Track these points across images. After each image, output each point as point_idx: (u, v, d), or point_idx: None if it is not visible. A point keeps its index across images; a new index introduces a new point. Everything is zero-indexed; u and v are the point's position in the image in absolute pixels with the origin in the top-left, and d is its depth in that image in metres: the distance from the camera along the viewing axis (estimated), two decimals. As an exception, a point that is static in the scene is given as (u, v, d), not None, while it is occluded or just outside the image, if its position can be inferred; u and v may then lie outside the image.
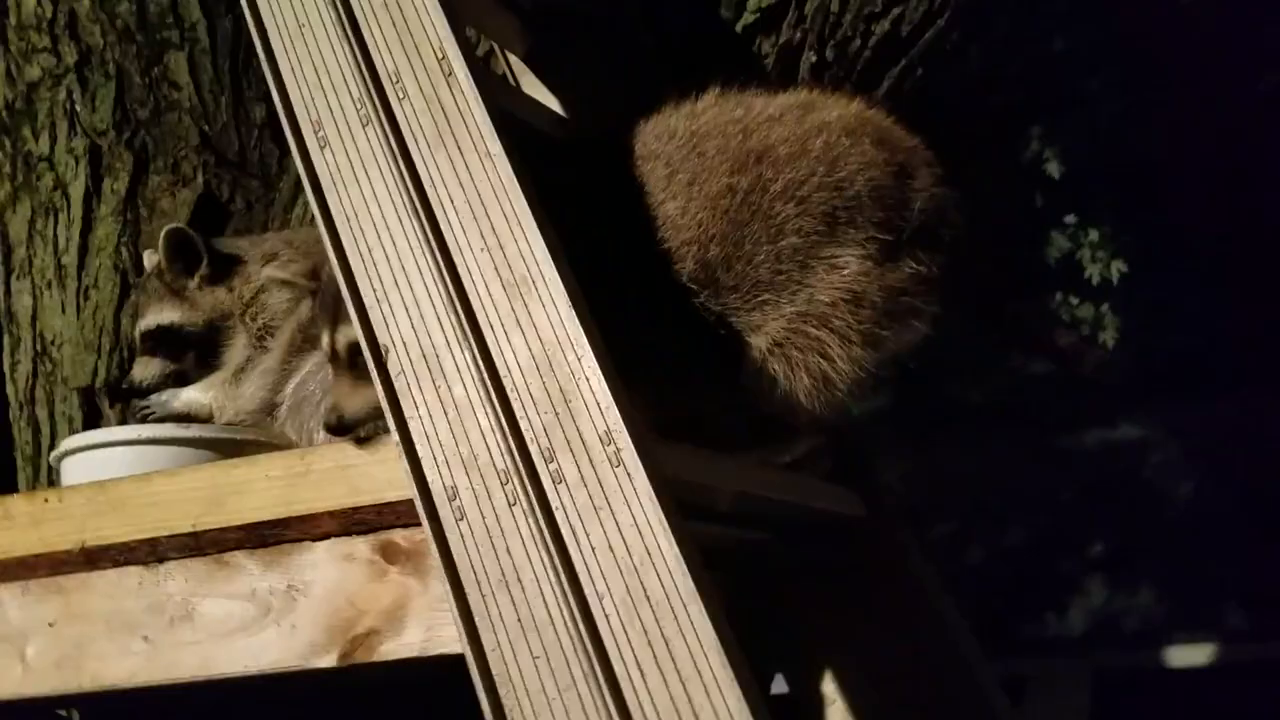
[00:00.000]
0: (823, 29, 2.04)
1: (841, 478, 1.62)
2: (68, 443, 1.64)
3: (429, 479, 1.16)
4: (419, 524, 1.30)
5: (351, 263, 1.28)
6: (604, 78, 1.81)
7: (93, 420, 2.41)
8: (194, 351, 1.92)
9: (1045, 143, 6.26)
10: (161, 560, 1.41)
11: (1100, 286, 6.46)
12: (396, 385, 1.21)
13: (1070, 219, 6.52)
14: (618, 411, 1.06)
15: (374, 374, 1.22)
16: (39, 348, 2.52)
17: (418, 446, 1.18)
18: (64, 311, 2.49)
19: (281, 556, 1.36)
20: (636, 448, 1.04)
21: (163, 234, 2.00)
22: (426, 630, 1.27)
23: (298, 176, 2.32)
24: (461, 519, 1.13)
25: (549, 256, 1.14)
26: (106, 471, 1.55)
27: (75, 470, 1.61)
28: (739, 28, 2.01)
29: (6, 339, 2.62)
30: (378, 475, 1.32)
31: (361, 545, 1.33)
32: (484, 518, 1.11)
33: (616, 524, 1.04)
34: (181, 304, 1.92)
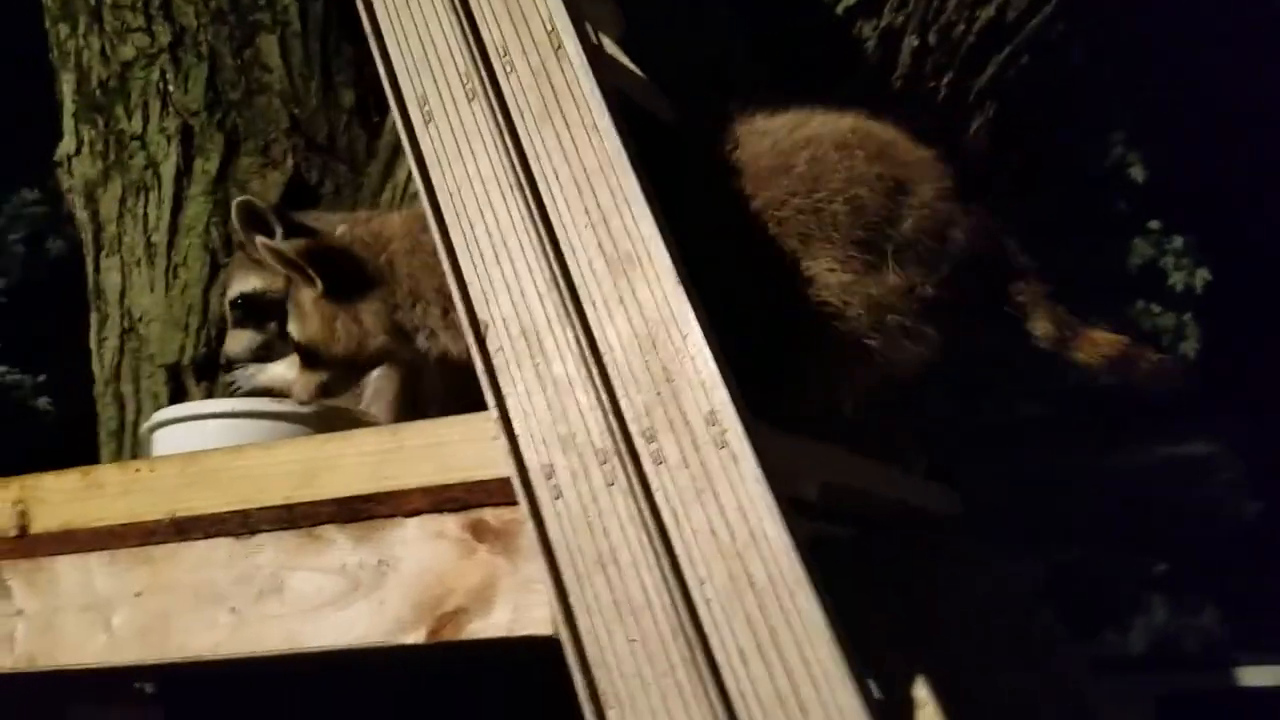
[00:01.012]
0: (925, 13, 1.99)
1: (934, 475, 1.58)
2: (160, 415, 1.65)
3: (526, 457, 1.14)
4: (509, 503, 1.28)
5: (453, 238, 1.26)
6: (699, 63, 1.77)
7: (178, 397, 2.43)
8: (278, 320, 1.91)
9: (1129, 146, 6.12)
10: (253, 532, 1.40)
11: (1183, 295, 6.30)
12: (495, 362, 1.19)
13: (1154, 225, 6.37)
14: (724, 392, 1.03)
15: (473, 350, 1.20)
16: (126, 324, 2.54)
17: (515, 424, 1.16)
18: (152, 289, 2.51)
19: (372, 532, 1.35)
20: (743, 430, 1.01)
21: (234, 205, 1.99)
22: (515, 610, 1.25)
23: (385, 162, 2.34)
24: (558, 498, 1.11)
25: (656, 233, 1.11)
26: (198, 444, 1.56)
27: (167, 443, 1.62)
28: (839, 10, 1.97)
29: (94, 315, 2.65)
30: (469, 453, 1.30)
31: (451, 523, 1.31)
32: (580, 497, 1.09)
33: (720, 507, 1.01)
34: (262, 271, 1.92)
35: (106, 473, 1.50)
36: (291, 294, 1.64)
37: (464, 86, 1.30)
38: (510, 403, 1.17)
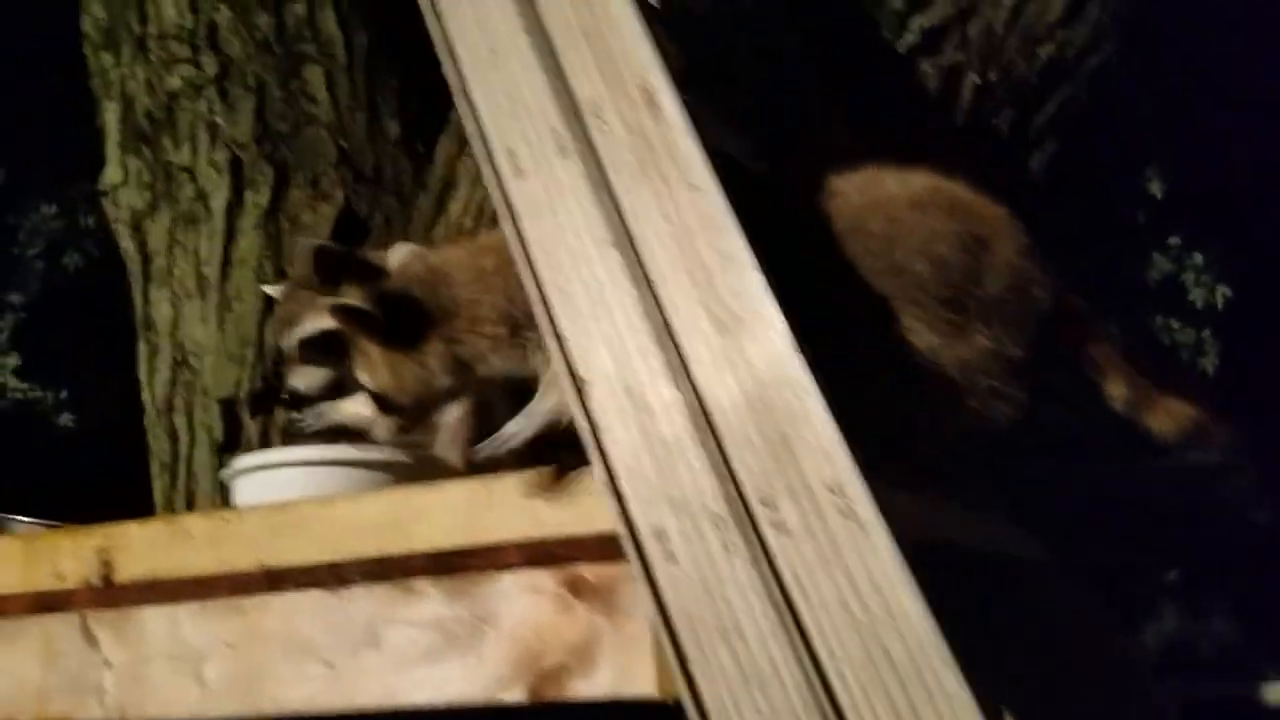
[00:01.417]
0: (986, 51, 2.00)
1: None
2: (243, 461, 1.65)
3: (634, 517, 1.14)
4: (608, 560, 1.29)
5: (548, 292, 1.27)
6: (766, 107, 1.78)
7: (233, 431, 2.44)
8: (348, 356, 1.89)
9: (1147, 160, 6.12)
10: (345, 584, 1.41)
11: (1203, 311, 6.30)
12: (596, 419, 1.20)
13: (1174, 240, 6.36)
14: (846, 459, 1.03)
15: (573, 406, 1.20)
16: (178, 357, 2.55)
17: (622, 484, 1.16)
18: (205, 322, 2.52)
19: (467, 585, 1.35)
20: (869, 499, 1.01)
21: (305, 250, 1.98)
22: (619, 670, 1.25)
23: (437, 195, 2.35)
24: (672, 561, 1.11)
25: (764, 293, 1.12)
26: (281, 490, 1.56)
27: (249, 488, 1.62)
28: (902, 49, 1.98)
29: (143, 346, 2.66)
30: (564, 508, 1.31)
31: (548, 578, 1.31)
32: (697, 562, 1.09)
33: (850, 580, 1.01)
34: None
35: (193, 521, 1.50)
36: (356, 343, 1.64)
37: (555, 142, 1.31)
38: (615, 461, 1.17)
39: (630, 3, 1.29)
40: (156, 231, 2.64)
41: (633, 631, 1.26)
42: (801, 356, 1.08)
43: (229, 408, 2.45)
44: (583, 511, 1.31)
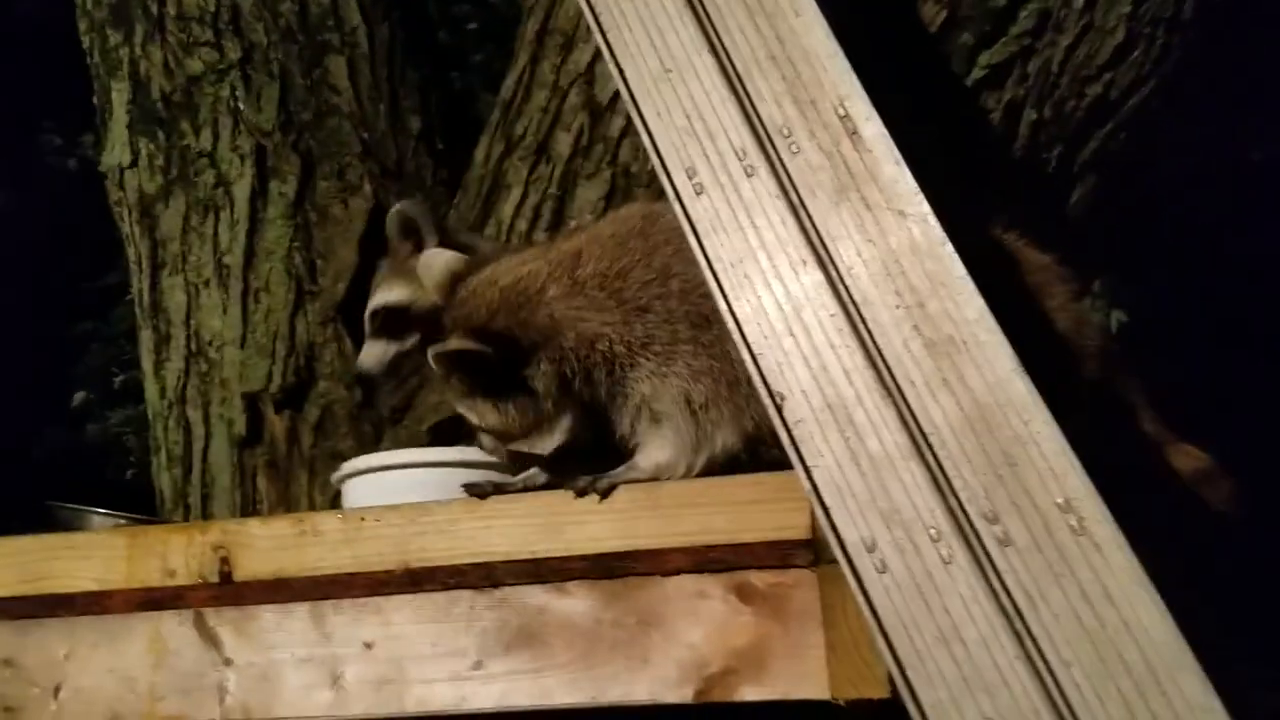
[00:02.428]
0: (1042, 88, 2.11)
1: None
2: (355, 463, 1.64)
3: (841, 529, 1.19)
4: (776, 566, 1.34)
5: (737, 308, 1.30)
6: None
7: (256, 425, 2.39)
8: (419, 333, 1.88)
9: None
10: (496, 585, 1.41)
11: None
12: (795, 432, 1.24)
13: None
14: (1078, 480, 1.10)
15: (774, 419, 1.24)
16: (193, 347, 2.49)
17: (825, 496, 1.20)
18: (225, 312, 2.46)
19: (627, 589, 1.38)
20: (1106, 518, 1.08)
21: (390, 213, 1.97)
22: (790, 674, 1.30)
23: (482, 196, 2.34)
24: (884, 571, 1.16)
25: (983, 316, 1.17)
26: (397, 493, 1.56)
27: (364, 490, 1.61)
28: (968, 82, 2.07)
29: (149, 335, 2.58)
30: (730, 515, 1.35)
31: (714, 584, 1.35)
32: (912, 573, 1.14)
33: (1082, 592, 1.07)
34: (408, 282, 1.90)
35: (324, 520, 1.49)
36: (455, 385, 1.54)
37: (740, 162, 1.34)
38: (818, 475, 1.21)
39: (825, 30, 1.33)
40: (170, 217, 2.57)
41: (802, 637, 1.31)
42: (1026, 379, 1.14)
43: (252, 402, 2.40)
44: (751, 519, 1.35)
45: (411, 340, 1.93)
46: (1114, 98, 2.16)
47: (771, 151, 1.33)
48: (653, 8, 1.44)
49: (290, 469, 2.34)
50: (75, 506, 1.73)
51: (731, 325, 1.29)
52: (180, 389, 2.49)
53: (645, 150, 1.40)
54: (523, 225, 2.28)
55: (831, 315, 1.25)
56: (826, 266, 1.27)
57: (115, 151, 2.66)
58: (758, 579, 1.34)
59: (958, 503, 1.14)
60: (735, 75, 1.38)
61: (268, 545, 1.49)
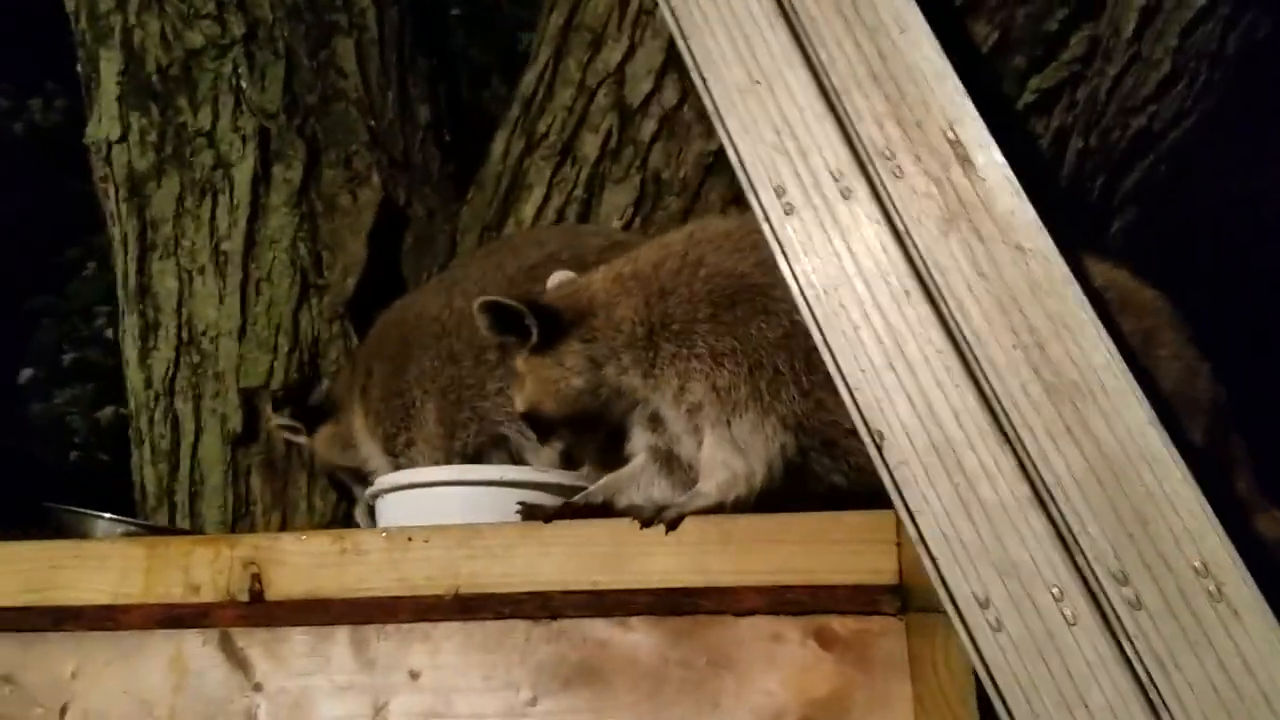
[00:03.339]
0: (1090, 117, 2.07)
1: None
2: (395, 478, 1.54)
3: (950, 581, 1.13)
4: (860, 612, 1.27)
5: (831, 338, 1.24)
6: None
7: (252, 421, 2.27)
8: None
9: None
10: (554, 616, 1.33)
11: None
12: (897, 474, 1.17)
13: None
14: (1216, 540, 1.05)
15: (874, 458, 1.18)
16: (184, 336, 2.36)
17: (931, 544, 1.14)
18: (222, 301, 2.34)
19: (697, 628, 1.31)
20: (1244, 583, 1.03)
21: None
22: (874, 724, 1.23)
23: (500, 194, 2.25)
24: (999, 629, 1.10)
25: (1110, 363, 1.12)
26: (437, 511, 1.47)
27: (401, 506, 1.52)
28: (1019, 106, 2.02)
29: (136, 321, 2.45)
30: (812, 554, 1.29)
31: (791, 627, 1.29)
32: (1032, 632, 1.09)
33: (1219, 661, 1.02)
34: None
35: (368, 539, 1.39)
36: (512, 369, 1.59)
37: (836, 183, 1.28)
38: (923, 521, 1.15)
39: (933, 49, 1.27)
40: (162, 197, 2.44)
41: (888, 688, 1.25)
42: (1160, 431, 1.09)
43: (248, 397, 2.28)
44: (833, 559, 1.28)
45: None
46: (1157, 129, 2.13)
47: (872, 174, 1.27)
48: (740, 15, 1.37)
49: (288, 470, 2.23)
50: (78, 510, 1.62)
51: (826, 356, 1.23)
52: (169, 380, 2.36)
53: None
54: (545, 225, 2.19)
55: (939, 351, 1.19)
56: (934, 299, 1.20)
57: (103, 124, 2.52)
58: (839, 624, 1.27)
59: (1084, 560, 1.09)
60: (832, 91, 1.31)
61: (304, 563, 1.40)
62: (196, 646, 1.41)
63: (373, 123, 2.49)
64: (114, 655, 1.43)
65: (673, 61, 2.15)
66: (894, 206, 1.24)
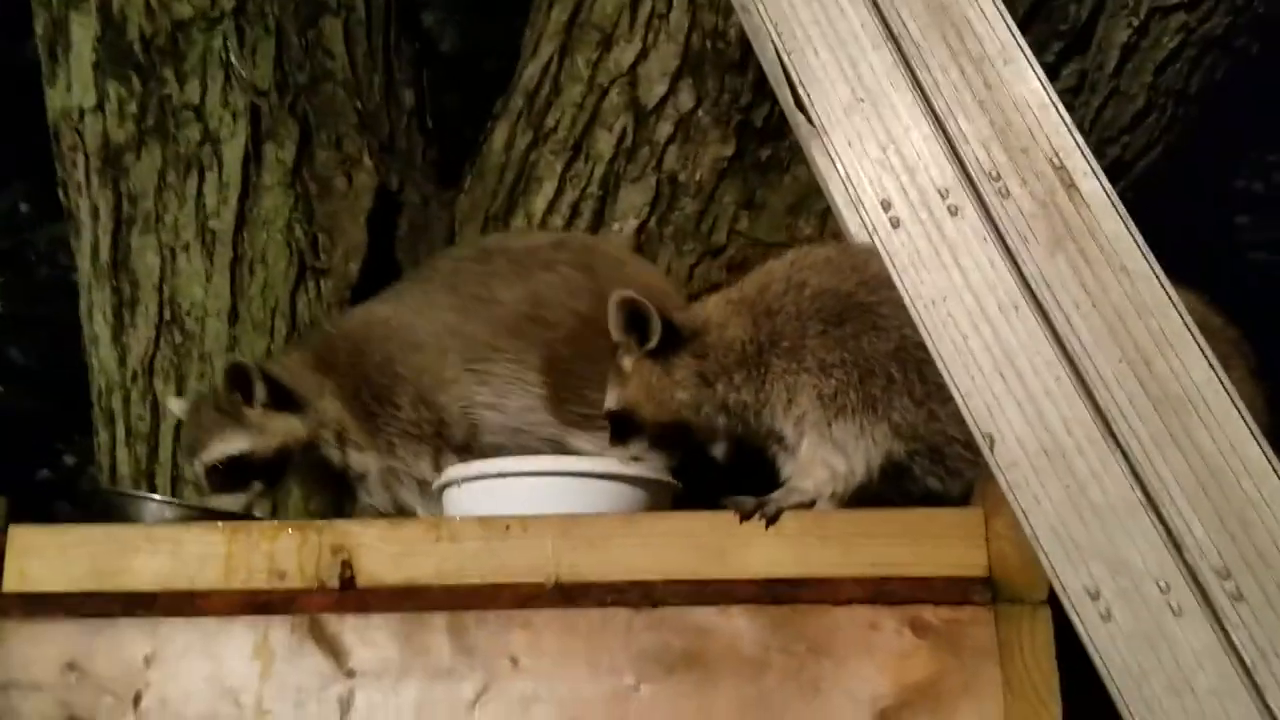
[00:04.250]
0: (1075, 146, 2.21)
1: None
2: (472, 468, 1.55)
3: (1063, 575, 1.22)
4: (954, 603, 1.36)
5: (941, 346, 1.32)
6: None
7: (242, 404, 2.22)
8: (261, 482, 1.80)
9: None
10: (655, 605, 1.37)
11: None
12: (1009, 476, 1.26)
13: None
14: (1311, 541, 1.17)
15: (986, 458, 1.26)
16: (166, 315, 2.29)
17: (1044, 541, 1.24)
18: (209, 280, 2.29)
19: (795, 616, 1.37)
20: (1342, 580, 1.15)
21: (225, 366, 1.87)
22: (966, 711, 1.32)
23: (506, 185, 2.27)
24: (1108, 619, 1.20)
25: (1212, 379, 1.23)
26: (510, 502, 1.49)
27: (474, 496, 1.53)
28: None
29: (108, 296, 2.36)
30: (907, 548, 1.37)
31: (887, 616, 1.36)
32: (1140, 622, 1.19)
33: (1315, 649, 1.15)
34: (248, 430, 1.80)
35: (463, 527, 1.41)
36: (614, 365, 1.63)
37: (943, 200, 1.36)
38: (1035, 519, 1.24)
39: (1038, 80, 1.36)
40: (142, 170, 2.36)
41: (979, 673, 1.34)
42: (1262, 443, 1.20)
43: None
44: (926, 552, 1.37)
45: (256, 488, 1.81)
46: (1128, 159, 2.30)
47: (978, 194, 1.35)
48: (844, 35, 1.44)
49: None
50: (130, 493, 1.57)
51: (938, 363, 1.31)
52: (148, 359, 2.29)
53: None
54: (557, 221, 2.22)
55: (1048, 363, 1.28)
56: (1043, 314, 1.30)
57: (74, 92, 2.42)
58: (932, 614, 1.36)
59: (1189, 557, 1.19)
60: (938, 113, 1.39)
61: (396, 550, 1.40)
62: (284, 633, 1.40)
63: (359, 105, 2.46)
64: (193, 642, 1.40)
65: (687, 66, 2.20)
66: (1001, 225, 1.33)
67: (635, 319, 1.58)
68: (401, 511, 1.85)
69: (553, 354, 1.81)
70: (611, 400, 1.61)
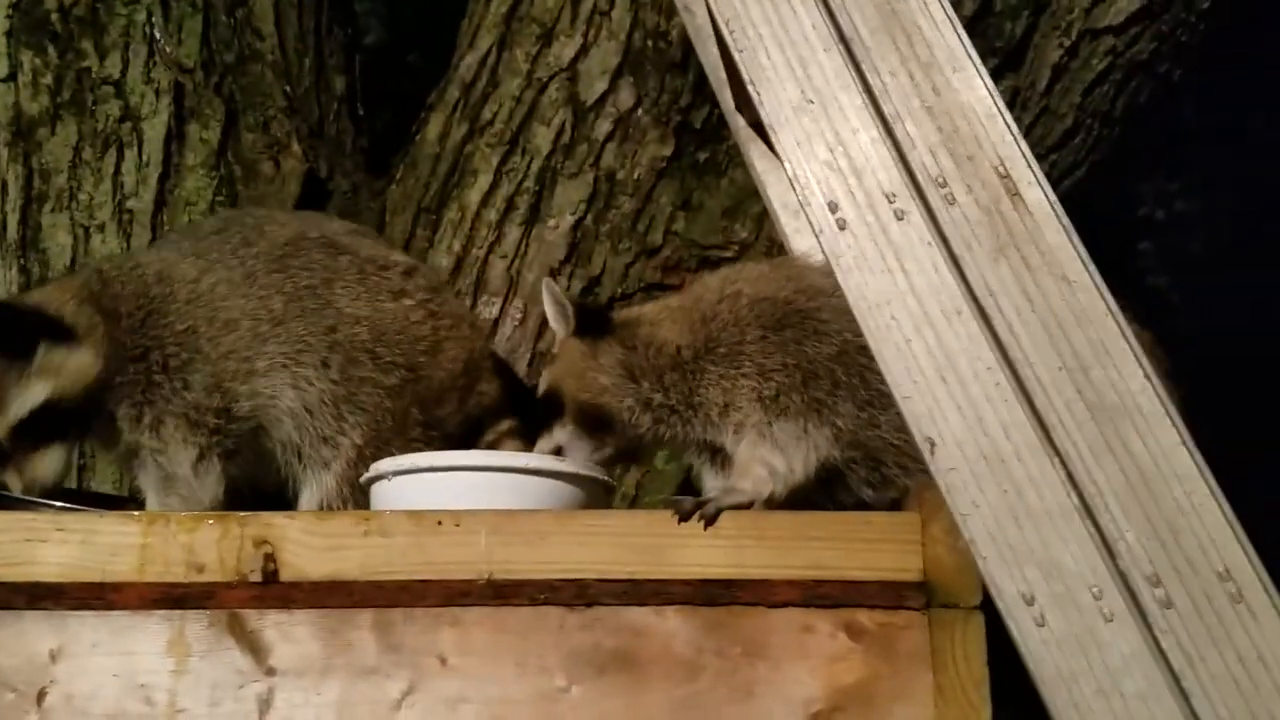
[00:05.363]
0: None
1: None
2: (394, 463, 1.51)
3: (999, 580, 1.23)
4: (887, 607, 1.36)
5: (884, 349, 1.31)
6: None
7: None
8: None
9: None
10: (590, 604, 1.35)
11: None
12: (948, 480, 1.27)
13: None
14: (1238, 551, 1.19)
15: (928, 461, 1.27)
16: (78, 296, 2.20)
17: (981, 545, 1.24)
18: (125, 262, 2.20)
19: (730, 618, 1.35)
20: (1262, 589, 1.17)
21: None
22: (898, 716, 1.32)
23: (439, 176, 2.23)
24: (1042, 625, 1.21)
25: (1146, 388, 1.25)
26: (439, 497, 1.46)
27: (406, 490, 1.49)
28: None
29: (14, 275, 2.27)
30: (841, 552, 1.36)
31: (822, 620, 1.35)
32: (1071, 627, 1.20)
33: (1239, 655, 1.16)
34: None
35: (393, 521, 1.37)
36: (551, 353, 1.61)
37: (890, 204, 1.36)
38: (973, 523, 1.25)
39: (985, 89, 1.37)
40: (55, 145, 2.28)
41: (912, 678, 1.34)
42: (1192, 450, 1.22)
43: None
44: (861, 556, 1.36)
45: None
46: (1055, 177, 2.34)
47: (924, 199, 1.36)
48: (793, 34, 1.43)
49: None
50: (28, 499, 1.49)
51: (883, 366, 1.31)
52: (55, 342, 2.19)
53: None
54: (492, 215, 2.19)
55: (989, 368, 1.29)
56: (985, 320, 1.30)
57: (-18, 57, 2.32)
58: (867, 618, 1.35)
59: (1121, 564, 1.21)
60: (885, 118, 1.39)
61: (322, 544, 1.36)
62: (201, 628, 1.34)
63: (289, 89, 2.40)
64: (102, 637, 1.34)
65: (628, 65, 2.19)
66: (946, 231, 1.33)
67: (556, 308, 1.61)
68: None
69: (375, 401, 1.70)
70: (542, 381, 1.60)
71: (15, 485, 1.52)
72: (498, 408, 1.86)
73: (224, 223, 1.88)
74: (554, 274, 2.16)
